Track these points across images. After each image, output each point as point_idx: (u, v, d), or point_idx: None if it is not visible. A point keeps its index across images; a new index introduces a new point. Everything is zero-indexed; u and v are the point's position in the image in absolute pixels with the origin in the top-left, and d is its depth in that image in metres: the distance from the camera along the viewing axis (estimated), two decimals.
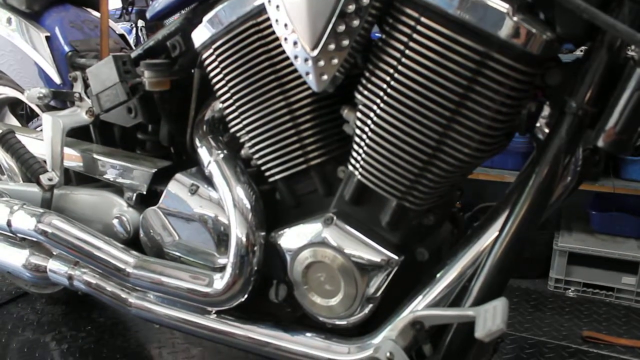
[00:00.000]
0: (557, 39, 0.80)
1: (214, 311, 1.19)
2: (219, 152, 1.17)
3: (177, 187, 1.24)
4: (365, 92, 0.91)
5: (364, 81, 0.92)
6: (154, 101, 1.29)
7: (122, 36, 1.74)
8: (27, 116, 2.12)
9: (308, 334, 1.09)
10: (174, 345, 1.74)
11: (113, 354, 1.70)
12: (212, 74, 1.10)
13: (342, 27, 0.85)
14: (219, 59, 1.06)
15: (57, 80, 1.56)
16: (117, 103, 1.34)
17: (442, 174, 0.89)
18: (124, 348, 1.74)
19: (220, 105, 1.13)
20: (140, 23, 4.38)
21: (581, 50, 0.90)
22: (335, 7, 0.84)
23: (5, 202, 1.46)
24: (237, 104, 1.06)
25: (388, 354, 0.88)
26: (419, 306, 0.96)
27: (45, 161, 1.44)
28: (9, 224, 1.41)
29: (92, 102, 1.41)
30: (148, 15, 1.29)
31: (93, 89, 1.39)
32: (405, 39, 0.85)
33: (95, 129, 1.53)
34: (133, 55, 1.35)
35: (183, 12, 1.26)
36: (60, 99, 1.53)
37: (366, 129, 0.92)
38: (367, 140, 0.92)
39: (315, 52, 0.88)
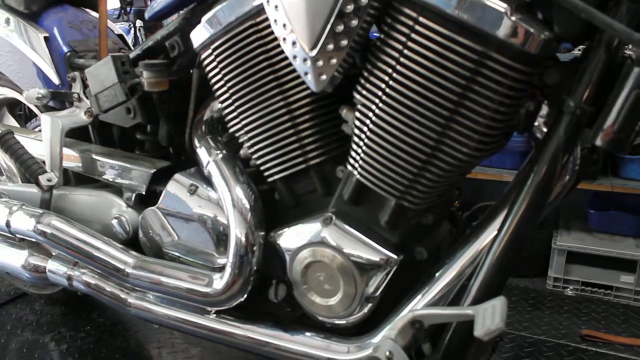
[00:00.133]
0: (555, 38, 0.80)
1: (213, 311, 1.19)
2: (218, 152, 1.17)
3: (176, 188, 1.24)
4: (364, 92, 0.91)
5: (362, 81, 0.92)
6: (152, 101, 1.29)
7: (120, 36, 1.74)
8: (25, 117, 2.12)
9: (307, 334, 1.09)
10: (173, 345, 1.74)
11: (112, 354, 1.70)
12: (210, 74, 1.10)
13: (340, 27, 0.86)
14: (218, 59, 1.06)
15: (55, 80, 1.56)
16: (116, 103, 1.34)
17: (441, 173, 0.89)
18: (123, 348, 1.74)
19: (219, 106, 1.13)
20: (139, 23, 4.38)
21: (579, 50, 0.90)
22: (334, 7, 0.84)
23: (4, 202, 1.46)
24: (236, 104, 1.07)
25: (387, 353, 0.88)
26: (418, 305, 0.97)
27: (44, 162, 1.44)
28: (8, 224, 1.41)
29: (91, 102, 1.41)
30: (147, 15, 1.29)
31: (92, 89, 1.39)
32: (403, 39, 0.85)
33: (94, 130, 1.53)
34: (132, 55, 1.35)
35: (182, 12, 1.26)
36: (58, 99, 1.53)
37: (365, 128, 0.92)
38: (366, 140, 0.92)
39: (314, 52, 0.88)
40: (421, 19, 0.83)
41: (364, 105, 0.92)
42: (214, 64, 1.08)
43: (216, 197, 1.17)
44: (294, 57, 0.91)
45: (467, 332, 0.78)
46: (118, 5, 4.33)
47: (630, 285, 2.10)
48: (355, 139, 0.95)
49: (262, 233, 1.10)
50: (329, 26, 0.86)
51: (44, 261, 1.46)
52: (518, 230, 0.84)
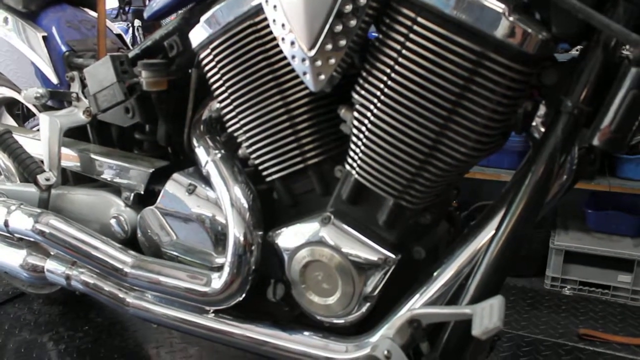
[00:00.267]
0: (553, 38, 0.81)
1: (211, 310, 1.19)
2: (217, 151, 1.17)
3: (175, 187, 1.24)
4: (363, 92, 0.91)
5: (361, 81, 0.92)
6: (151, 101, 1.29)
7: (119, 36, 1.74)
8: (23, 116, 2.12)
9: (306, 333, 1.09)
10: (171, 344, 1.74)
11: (111, 354, 1.70)
12: (209, 74, 1.10)
13: (339, 27, 0.86)
14: (217, 59, 1.06)
15: (54, 80, 1.55)
16: (115, 103, 1.34)
17: (439, 173, 0.90)
18: (122, 348, 1.74)
19: (218, 105, 1.13)
20: (137, 23, 4.37)
21: (577, 50, 0.90)
22: (333, 7, 0.85)
23: (2, 202, 1.46)
24: (235, 103, 1.07)
25: (386, 352, 0.89)
26: (416, 304, 0.97)
27: (42, 161, 1.44)
28: (6, 224, 1.42)
29: (90, 102, 1.41)
30: (146, 15, 1.29)
31: (90, 89, 1.39)
32: (402, 39, 0.85)
33: (93, 129, 1.53)
34: (130, 55, 1.35)
35: (180, 12, 1.26)
36: (57, 99, 1.53)
37: (363, 128, 0.92)
38: (364, 140, 0.92)
39: (313, 52, 0.88)
40: (419, 19, 0.83)
41: (362, 105, 0.92)
42: (213, 63, 1.08)
43: (214, 197, 1.17)
44: (293, 57, 0.91)
45: (465, 331, 0.78)
46: (116, 4, 4.32)
47: (627, 284, 2.10)
48: (354, 138, 0.95)
49: (261, 232, 1.10)
50: (327, 26, 0.86)
51: (43, 261, 1.46)
52: (516, 229, 0.84)
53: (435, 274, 0.97)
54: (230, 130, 1.11)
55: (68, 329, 1.84)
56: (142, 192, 1.34)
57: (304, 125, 1.01)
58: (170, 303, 1.25)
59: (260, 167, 1.09)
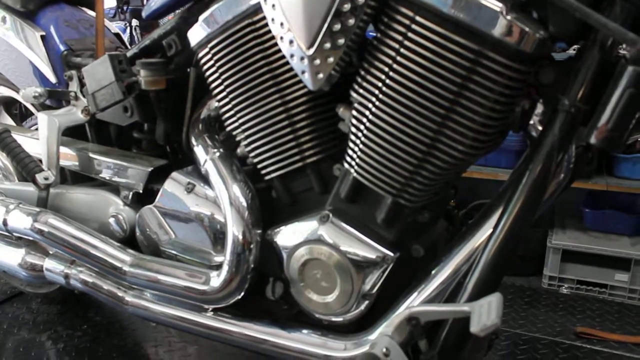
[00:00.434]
0: (550, 37, 0.81)
1: (210, 309, 1.20)
2: (215, 150, 1.18)
3: (174, 186, 1.24)
4: (361, 91, 0.92)
5: (359, 79, 0.92)
6: (149, 100, 1.29)
7: (117, 35, 1.74)
8: (21, 115, 2.12)
9: (304, 331, 1.10)
10: (170, 343, 1.75)
11: (109, 353, 1.70)
12: (208, 73, 1.10)
13: (337, 26, 0.86)
14: (215, 57, 1.06)
15: (52, 79, 1.56)
16: (113, 102, 1.34)
17: (437, 171, 0.90)
18: (121, 347, 1.74)
19: (216, 104, 1.13)
20: (135, 22, 4.38)
21: (574, 49, 0.91)
22: (331, 6, 0.85)
23: (1, 201, 1.46)
24: (233, 102, 1.07)
25: (384, 350, 0.89)
26: (414, 302, 0.97)
27: (40, 160, 1.44)
28: (5, 223, 1.42)
29: (88, 101, 1.41)
30: (144, 14, 1.29)
31: (89, 88, 1.39)
32: (400, 38, 0.85)
33: (91, 128, 1.53)
34: (129, 54, 1.35)
35: (179, 11, 1.26)
36: (55, 98, 1.53)
37: (362, 127, 0.92)
38: (363, 138, 0.93)
39: (311, 51, 0.89)
40: (418, 18, 0.83)
41: (360, 103, 0.92)
42: (211, 62, 1.08)
43: (213, 196, 1.17)
44: (291, 55, 0.92)
45: (463, 329, 0.78)
46: (114, 4, 4.32)
47: (624, 283, 2.11)
48: (352, 137, 0.95)
49: (259, 231, 1.10)
50: (326, 25, 0.86)
51: (41, 259, 1.46)
52: (513, 228, 0.84)
53: (433, 272, 0.97)
54: (228, 129, 1.11)
55: (66, 328, 1.84)
56: (141, 191, 1.34)
57: (302, 123, 1.02)
58: (169, 301, 1.25)
59: (259, 166, 1.10)
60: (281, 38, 0.92)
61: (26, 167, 1.41)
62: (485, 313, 0.74)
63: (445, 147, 0.88)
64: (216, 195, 1.15)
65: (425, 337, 0.88)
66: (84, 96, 1.45)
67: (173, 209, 1.24)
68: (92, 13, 1.69)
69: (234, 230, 1.09)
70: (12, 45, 1.61)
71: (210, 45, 1.06)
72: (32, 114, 1.82)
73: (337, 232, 1.01)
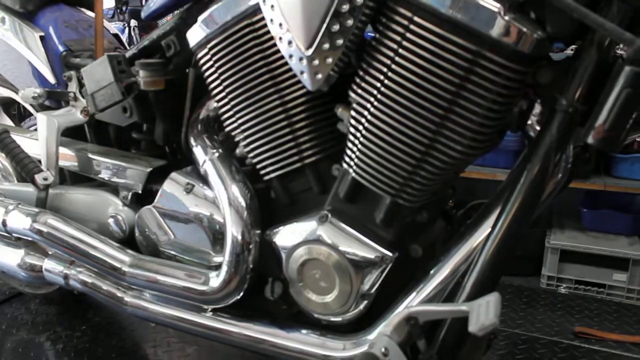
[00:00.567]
0: (548, 37, 0.81)
1: (209, 309, 1.20)
2: (214, 151, 1.18)
3: (173, 186, 1.24)
4: (359, 91, 0.92)
5: (358, 80, 0.93)
6: (148, 100, 1.29)
7: (116, 36, 1.74)
8: (19, 116, 2.12)
9: (303, 331, 1.10)
10: (169, 344, 1.74)
11: (108, 354, 1.70)
12: (207, 74, 1.10)
13: (336, 27, 0.86)
14: (214, 58, 1.07)
15: (51, 80, 1.56)
16: (112, 102, 1.34)
17: (435, 171, 0.90)
18: (120, 347, 1.74)
19: (215, 105, 1.13)
20: (133, 23, 4.37)
21: (572, 49, 0.91)
22: (330, 7, 0.85)
23: (0, 202, 1.46)
24: (232, 103, 1.07)
25: (383, 350, 0.89)
26: (413, 302, 0.98)
27: (39, 161, 1.44)
28: (4, 223, 1.42)
29: (87, 101, 1.42)
30: (143, 15, 1.29)
31: (88, 88, 1.39)
32: (398, 38, 0.86)
33: (90, 129, 1.53)
34: (128, 54, 1.35)
35: (178, 12, 1.26)
36: (54, 98, 1.54)
37: (360, 127, 0.93)
38: (361, 138, 0.93)
39: (310, 51, 0.89)
40: (416, 18, 0.84)
41: (359, 104, 0.92)
42: (210, 63, 1.08)
43: (212, 196, 1.17)
44: (290, 56, 0.92)
45: (462, 328, 0.79)
46: (113, 4, 4.32)
47: (622, 283, 2.12)
48: (351, 137, 0.96)
49: (258, 231, 1.11)
50: (324, 26, 0.86)
51: (40, 260, 1.46)
52: (511, 227, 0.85)
53: (432, 271, 0.98)
54: (227, 129, 1.12)
55: (66, 328, 1.84)
56: (140, 192, 1.34)
57: (301, 124, 1.02)
58: (168, 302, 1.25)
59: (258, 166, 1.10)
60: (280, 39, 0.92)
61: (25, 168, 1.41)
62: (483, 312, 0.75)
63: (443, 147, 0.88)
64: (215, 196, 1.15)
65: (423, 336, 0.88)
66: (83, 97, 1.45)
67: (172, 209, 1.24)
68: (91, 14, 1.69)
69: (233, 231, 1.09)
70: (11, 46, 1.61)
71: (209, 45, 1.07)
72: (30, 114, 1.82)
73: (335, 232, 1.01)
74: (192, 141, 1.22)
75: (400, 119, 0.88)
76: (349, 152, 0.97)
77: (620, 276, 2.12)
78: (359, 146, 0.94)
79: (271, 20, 0.93)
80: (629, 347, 1.78)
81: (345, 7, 0.85)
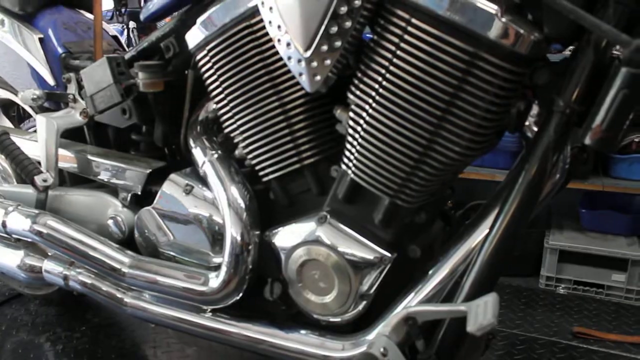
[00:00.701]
0: (545, 39, 0.82)
1: (209, 310, 1.20)
2: (213, 152, 1.18)
3: (172, 188, 1.25)
4: (358, 92, 0.92)
5: (356, 81, 0.93)
6: (148, 102, 1.30)
7: (115, 38, 1.75)
8: (18, 117, 2.12)
9: (303, 331, 1.10)
10: (168, 345, 1.75)
11: (108, 354, 1.70)
12: (206, 75, 1.11)
13: (334, 29, 0.87)
14: (213, 60, 1.07)
15: (50, 81, 1.56)
16: (112, 104, 1.34)
17: (434, 172, 0.91)
18: (119, 348, 1.74)
19: (214, 106, 1.14)
20: (132, 24, 4.37)
21: (569, 51, 0.91)
22: (328, 9, 0.85)
23: None
24: (231, 104, 1.08)
25: (382, 350, 0.90)
26: (412, 302, 0.98)
27: (39, 162, 1.44)
28: (3, 225, 1.42)
29: (86, 103, 1.42)
30: (142, 16, 1.29)
31: (87, 90, 1.39)
32: (396, 40, 0.86)
33: (90, 130, 1.53)
34: (127, 56, 1.36)
35: (177, 13, 1.26)
36: (54, 100, 1.54)
37: (359, 128, 0.93)
38: (360, 140, 0.93)
39: (308, 53, 0.89)
40: (413, 20, 0.84)
41: (357, 105, 0.93)
42: (209, 65, 1.08)
43: (211, 197, 1.18)
44: (289, 58, 0.92)
45: (460, 329, 0.79)
46: (112, 6, 4.32)
47: (621, 283, 2.12)
48: (349, 138, 0.96)
49: (257, 232, 1.11)
50: (323, 27, 0.87)
51: (40, 261, 1.47)
52: (509, 228, 0.85)
53: (430, 272, 0.98)
54: (226, 130, 1.12)
55: (65, 329, 1.84)
56: (140, 193, 1.34)
57: (300, 125, 1.02)
58: (167, 303, 1.25)
59: (257, 168, 1.10)
60: (278, 40, 0.93)
61: (25, 169, 1.42)
62: (481, 312, 0.75)
63: (441, 148, 0.88)
64: (214, 197, 1.15)
65: (422, 336, 0.89)
66: (82, 98, 1.46)
67: (171, 210, 1.24)
68: (90, 16, 1.69)
69: (232, 232, 1.10)
70: (10, 48, 1.61)
71: (208, 47, 1.07)
72: (29, 116, 1.82)
73: (334, 233, 1.01)
74: (191, 142, 1.23)
75: (399, 120, 0.88)
76: (347, 153, 0.97)
77: (619, 276, 2.12)
78: (358, 147, 0.94)
79: (269, 22, 0.93)
80: (628, 348, 1.79)
81: (344, 9, 0.85)
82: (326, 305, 1.05)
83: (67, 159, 1.49)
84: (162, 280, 1.20)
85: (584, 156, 0.99)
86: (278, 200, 1.12)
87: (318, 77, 0.91)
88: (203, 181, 1.19)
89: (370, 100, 0.90)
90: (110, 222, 1.35)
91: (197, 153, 1.20)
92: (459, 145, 0.87)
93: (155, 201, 1.27)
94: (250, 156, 1.10)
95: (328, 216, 1.02)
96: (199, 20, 1.07)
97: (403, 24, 0.85)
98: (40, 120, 1.44)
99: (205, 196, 1.20)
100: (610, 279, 2.14)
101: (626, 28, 0.73)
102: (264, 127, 1.05)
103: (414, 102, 0.86)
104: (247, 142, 1.08)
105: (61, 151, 1.46)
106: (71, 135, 1.52)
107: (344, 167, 0.99)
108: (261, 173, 1.10)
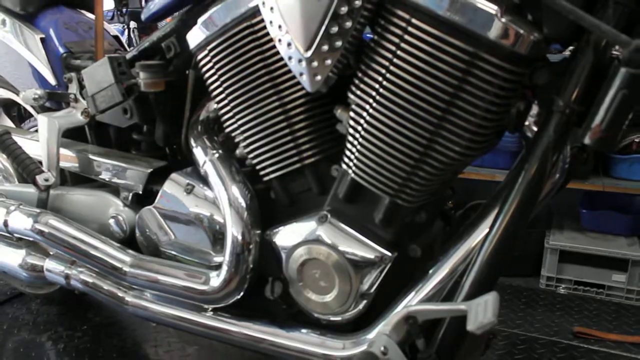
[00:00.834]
0: (545, 39, 0.82)
1: (210, 309, 1.20)
2: (214, 151, 1.18)
3: (173, 187, 1.25)
4: (358, 92, 0.93)
5: (356, 81, 0.93)
6: (149, 102, 1.30)
7: (116, 37, 1.75)
8: (20, 117, 2.12)
9: (303, 330, 1.10)
10: (169, 344, 1.75)
11: (109, 353, 1.70)
12: (206, 75, 1.11)
13: (335, 29, 0.87)
14: (214, 60, 1.07)
15: (52, 81, 1.56)
16: (113, 104, 1.35)
17: (434, 171, 0.91)
18: (120, 347, 1.74)
19: (215, 106, 1.14)
20: (133, 24, 4.38)
21: (569, 51, 0.92)
22: (328, 9, 0.86)
23: (1, 202, 1.47)
24: (232, 104, 1.08)
25: (382, 349, 0.90)
26: (412, 301, 0.98)
27: (40, 162, 1.44)
28: (5, 224, 1.43)
29: (88, 103, 1.42)
30: (143, 17, 1.30)
31: (88, 90, 1.40)
32: (396, 40, 0.86)
33: (91, 130, 1.54)
34: (128, 56, 1.36)
35: (178, 13, 1.27)
36: (55, 100, 1.54)
37: (359, 128, 0.93)
38: (360, 139, 0.94)
39: (309, 53, 0.90)
40: (414, 20, 0.84)
41: (358, 105, 0.93)
42: (210, 65, 1.09)
43: (212, 197, 1.18)
44: (289, 58, 0.93)
45: (461, 328, 0.79)
46: (112, 6, 4.32)
47: (621, 284, 2.12)
48: (350, 138, 0.96)
49: (258, 231, 1.11)
50: (323, 27, 0.87)
51: (42, 260, 1.47)
52: (509, 228, 0.85)
53: (430, 271, 0.98)
54: (227, 130, 1.12)
55: (67, 328, 1.84)
56: (141, 192, 1.35)
57: (300, 125, 1.03)
58: (169, 302, 1.25)
59: (258, 167, 1.10)
60: (279, 40, 0.93)
61: (26, 169, 1.42)
62: (481, 311, 0.75)
63: (441, 148, 0.89)
64: (215, 196, 1.16)
65: (422, 335, 0.89)
66: (83, 98, 1.46)
67: (172, 209, 1.25)
68: (91, 15, 1.69)
69: (233, 231, 1.10)
70: (11, 48, 1.61)
71: (209, 47, 1.07)
72: (30, 115, 1.82)
73: (335, 232, 1.01)
74: (192, 142, 1.23)
75: (399, 119, 0.89)
76: (348, 152, 0.98)
77: (619, 277, 2.12)
78: (358, 147, 0.94)
79: (270, 22, 0.93)
80: (628, 347, 1.79)
81: (344, 9, 0.86)
82: (327, 304, 1.05)
83: (69, 159, 1.49)
84: (163, 280, 1.21)
85: (583, 156, 1.00)
86: (279, 200, 1.12)
87: (319, 77, 0.91)
88: (204, 181, 1.20)
89: (371, 100, 0.90)
90: (111, 221, 1.35)
91: (198, 152, 1.21)
92: (459, 145, 0.87)
93: (156, 200, 1.27)
94: (251, 156, 1.10)
95: (329, 215, 1.02)
96: (200, 20, 1.07)
97: (403, 24, 0.85)
98: (41, 119, 1.44)
99: (206, 195, 1.21)
100: (611, 279, 2.14)
101: (626, 28, 0.74)
102: (264, 127, 1.05)
103: (414, 102, 0.87)
104: (247, 141, 1.09)
105: (62, 151, 1.47)
106: (72, 135, 1.52)
107: (344, 166, 0.99)
108: (262, 172, 1.10)
